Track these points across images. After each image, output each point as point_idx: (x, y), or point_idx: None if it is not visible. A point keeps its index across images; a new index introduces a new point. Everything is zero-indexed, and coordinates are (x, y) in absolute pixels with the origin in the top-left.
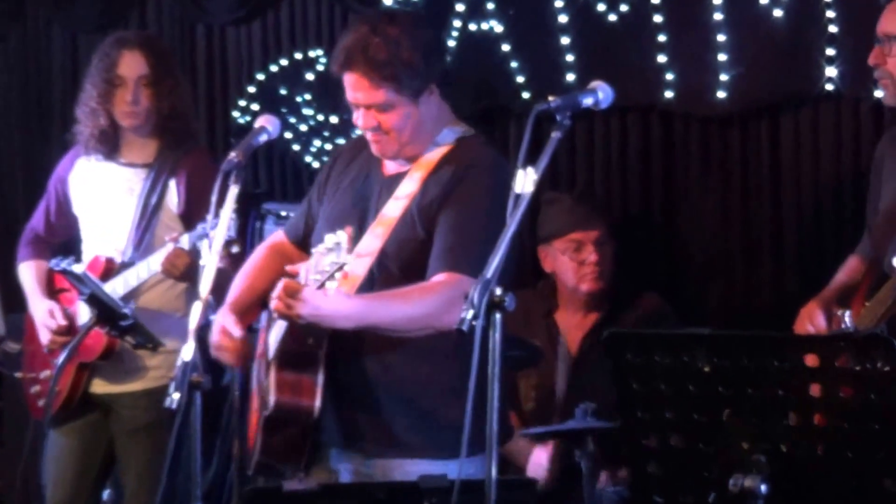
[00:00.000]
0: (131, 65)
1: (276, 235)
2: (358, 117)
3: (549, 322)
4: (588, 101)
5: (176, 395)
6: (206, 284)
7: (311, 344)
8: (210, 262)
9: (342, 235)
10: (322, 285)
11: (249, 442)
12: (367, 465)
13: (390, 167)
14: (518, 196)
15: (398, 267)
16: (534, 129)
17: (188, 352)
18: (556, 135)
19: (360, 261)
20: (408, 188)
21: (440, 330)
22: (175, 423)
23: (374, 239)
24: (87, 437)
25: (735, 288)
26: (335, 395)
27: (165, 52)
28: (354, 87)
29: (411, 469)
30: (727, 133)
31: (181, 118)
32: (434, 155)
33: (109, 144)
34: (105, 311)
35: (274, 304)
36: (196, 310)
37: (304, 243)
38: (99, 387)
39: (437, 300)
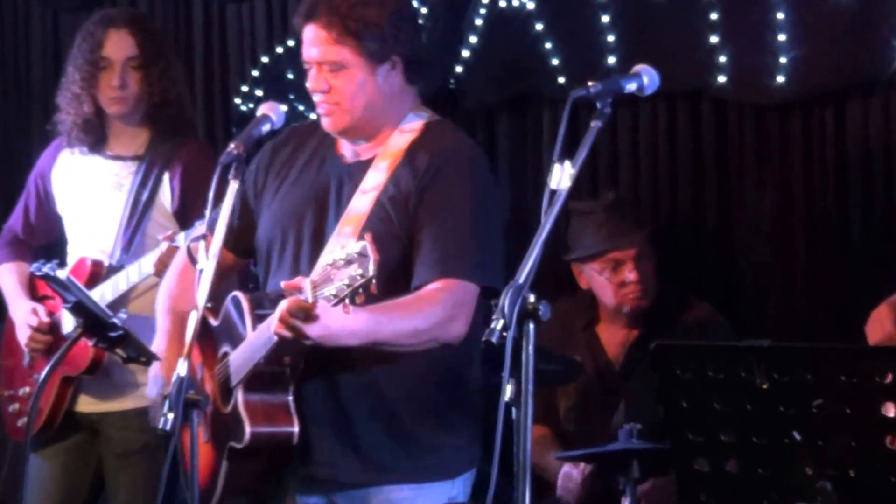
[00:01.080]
0: (118, 45)
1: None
2: (309, 80)
3: (589, 335)
4: (631, 87)
5: (170, 415)
6: (203, 291)
7: (287, 363)
8: (208, 266)
9: (365, 246)
10: (340, 301)
11: (199, 478)
12: (341, 496)
13: (348, 153)
14: (554, 192)
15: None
16: (570, 118)
17: (183, 366)
18: (595, 124)
19: (333, 252)
20: (375, 180)
21: (444, 342)
22: (170, 445)
23: (342, 240)
24: (72, 460)
25: (796, 295)
26: (305, 416)
27: (156, 31)
28: (311, 41)
29: (394, 497)
30: (787, 122)
31: (174, 105)
32: (401, 142)
33: (95, 135)
34: (92, 320)
35: (275, 326)
36: (192, 319)
37: (237, 245)
38: (85, 405)
39: (440, 311)
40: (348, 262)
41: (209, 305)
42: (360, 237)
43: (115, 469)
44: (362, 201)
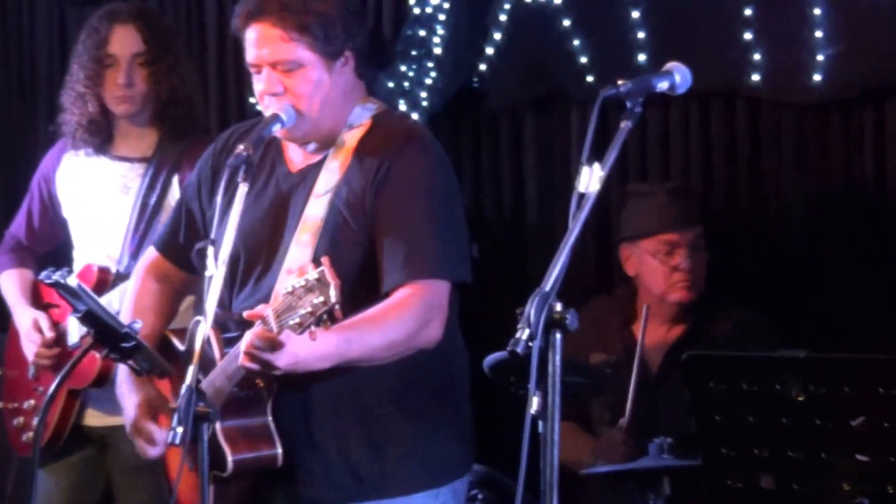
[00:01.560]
0: (124, 41)
1: (148, 255)
2: (258, 81)
3: (626, 335)
4: (663, 86)
5: (180, 429)
6: (212, 299)
7: (261, 387)
8: (218, 273)
9: (322, 270)
10: (305, 329)
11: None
12: None
13: (296, 159)
14: (582, 196)
15: (337, 275)
16: (599, 119)
17: (192, 377)
18: (625, 125)
19: (291, 278)
20: (327, 182)
21: (420, 348)
22: (180, 460)
23: (302, 249)
24: (79, 476)
25: (834, 303)
26: (284, 438)
27: (164, 26)
28: (260, 41)
29: None
30: (824, 123)
31: (183, 103)
32: (350, 138)
33: (101, 136)
34: (104, 330)
35: (242, 359)
36: (202, 329)
37: (186, 261)
38: (93, 418)
39: (413, 318)
40: (308, 290)
41: (171, 328)
42: (319, 246)
43: (125, 484)
44: (317, 206)
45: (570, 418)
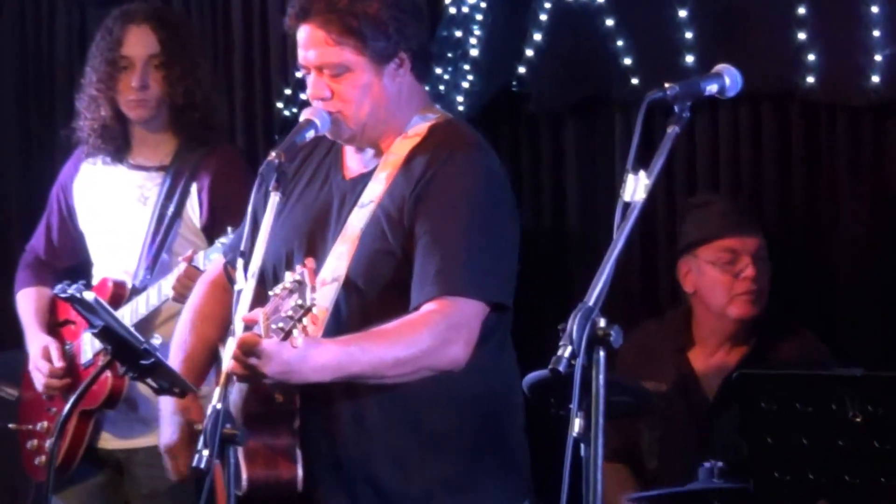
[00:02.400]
0: (138, 42)
1: (216, 265)
2: (308, 86)
3: (680, 361)
4: (712, 89)
5: (205, 452)
6: (241, 314)
7: (280, 402)
8: (247, 288)
9: (303, 272)
10: (287, 335)
11: None
12: None
13: (353, 166)
14: (627, 205)
15: (370, 290)
16: (645, 124)
17: (219, 397)
18: (672, 130)
19: (324, 290)
20: (373, 192)
21: (439, 370)
22: (205, 485)
23: (338, 261)
24: (94, 502)
25: (894, 317)
26: (314, 460)
27: (181, 27)
28: (307, 42)
29: None
30: (882, 126)
31: (201, 108)
32: (402, 148)
33: (115, 142)
34: (121, 347)
35: (230, 365)
36: (229, 346)
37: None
38: (109, 441)
39: (432, 335)
40: (290, 292)
41: None
42: (355, 259)
43: None
44: (359, 217)
45: (617, 454)
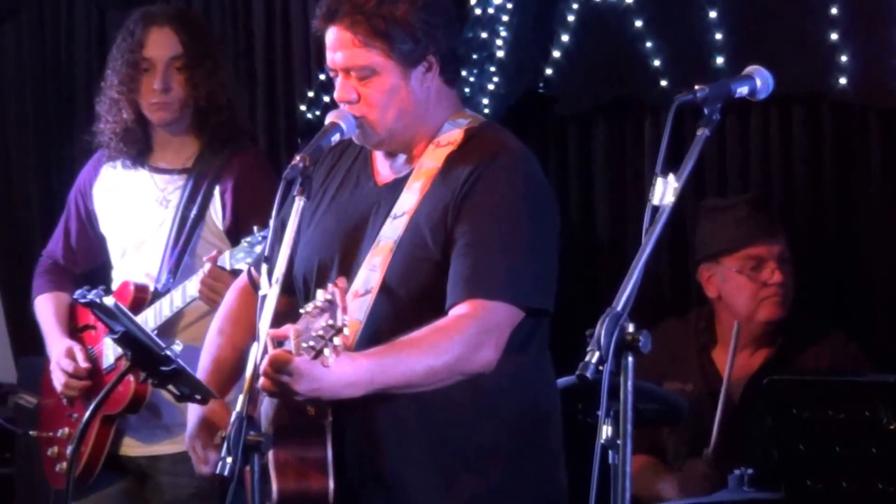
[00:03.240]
0: (160, 44)
1: (246, 273)
2: (336, 88)
3: (704, 361)
4: (742, 91)
5: (229, 459)
6: (265, 320)
7: (312, 415)
8: (271, 294)
9: (334, 292)
10: (318, 354)
11: None
12: None
13: (384, 172)
14: (656, 209)
15: (409, 299)
16: (674, 126)
17: (242, 404)
18: (702, 133)
19: (356, 302)
20: (407, 203)
21: (471, 374)
22: (228, 493)
23: (371, 273)
24: None
25: None
26: (346, 473)
27: (203, 28)
28: (335, 44)
29: None
30: None
31: (224, 110)
32: (436, 157)
33: (137, 145)
34: (142, 352)
35: (261, 382)
36: (252, 351)
37: (283, 280)
38: (132, 447)
39: (462, 340)
40: (322, 311)
41: None
42: (390, 270)
43: None
44: (393, 228)
45: (645, 451)
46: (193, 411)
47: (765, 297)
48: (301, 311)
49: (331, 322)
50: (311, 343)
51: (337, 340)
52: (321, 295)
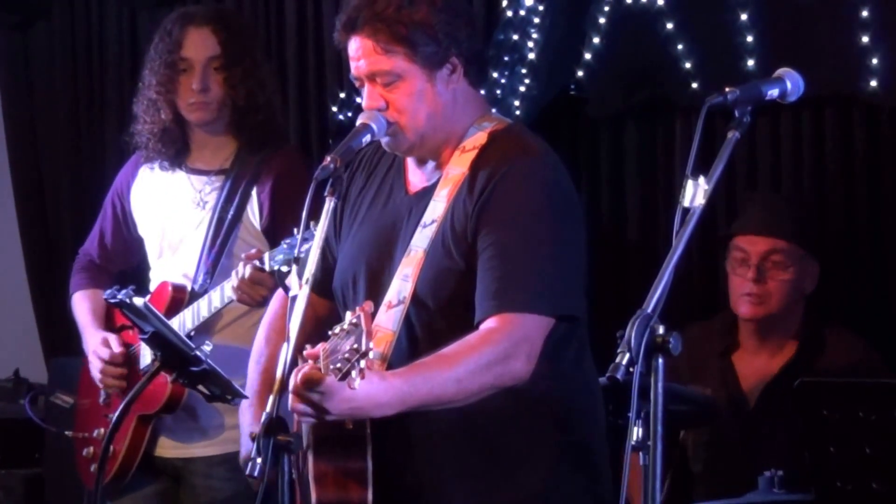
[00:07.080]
0: (198, 44)
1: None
2: (364, 98)
3: (724, 364)
4: (773, 93)
5: (259, 460)
6: (296, 321)
7: (350, 428)
8: (302, 294)
9: (359, 315)
10: (345, 376)
11: None
12: None
13: (415, 181)
14: (687, 211)
15: (438, 308)
16: (705, 128)
17: (272, 406)
18: (733, 135)
19: (390, 313)
20: (435, 211)
21: (503, 387)
22: (258, 495)
23: (403, 283)
24: None
25: None
26: (386, 484)
27: (242, 28)
28: (357, 53)
29: None
30: None
31: (263, 110)
32: (462, 163)
33: (175, 146)
34: (171, 353)
35: (291, 400)
36: (283, 353)
37: (325, 289)
38: (167, 448)
39: (493, 354)
40: (348, 333)
41: None
42: (420, 281)
43: None
44: (422, 237)
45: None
46: (247, 432)
47: (741, 293)
48: (329, 332)
49: (356, 346)
50: (339, 365)
51: (362, 363)
52: (348, 317)
